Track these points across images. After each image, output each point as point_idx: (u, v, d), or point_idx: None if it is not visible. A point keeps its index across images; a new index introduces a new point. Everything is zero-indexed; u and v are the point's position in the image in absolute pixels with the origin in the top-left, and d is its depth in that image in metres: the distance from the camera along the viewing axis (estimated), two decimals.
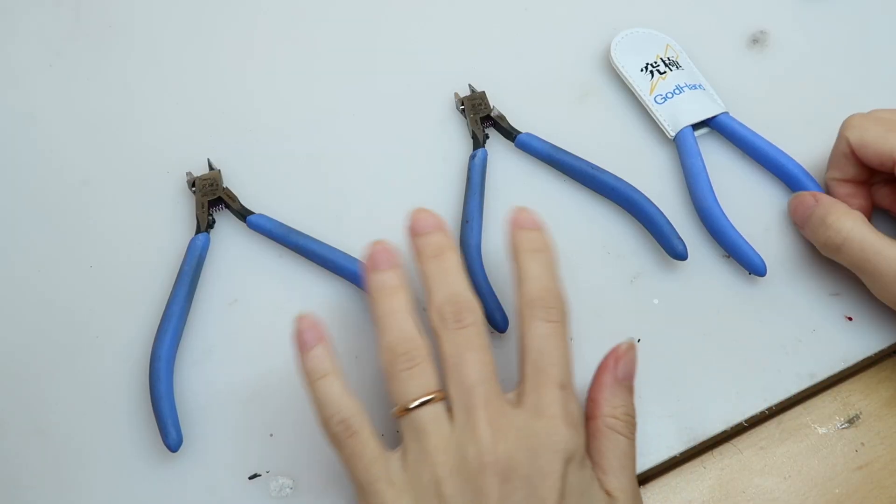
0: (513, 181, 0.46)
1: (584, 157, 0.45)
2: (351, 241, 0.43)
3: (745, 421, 0.40)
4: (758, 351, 0.41)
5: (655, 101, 0.48)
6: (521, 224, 0.37)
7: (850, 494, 0.39)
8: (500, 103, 0.48)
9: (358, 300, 0.43)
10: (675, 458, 0.39)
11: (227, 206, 0.45)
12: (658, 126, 0.48)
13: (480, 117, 0.48)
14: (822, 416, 0.41)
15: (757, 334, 0.41)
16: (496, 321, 0.41)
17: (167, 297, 0.41)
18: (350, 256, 0.42)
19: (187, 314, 0.42)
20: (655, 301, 0.42)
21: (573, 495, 0.32)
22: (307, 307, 0.41)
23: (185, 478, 0.38)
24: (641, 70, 0.49)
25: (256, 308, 0.43)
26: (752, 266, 0.42)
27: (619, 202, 0.45)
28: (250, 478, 0.38)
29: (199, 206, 0.45)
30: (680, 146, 0.46)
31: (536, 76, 0.50)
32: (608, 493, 0.34)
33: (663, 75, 0.48)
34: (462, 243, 0.43)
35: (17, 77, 0.51)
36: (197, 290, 0.43)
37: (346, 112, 0.49)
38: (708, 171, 0.45)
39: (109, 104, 0.50)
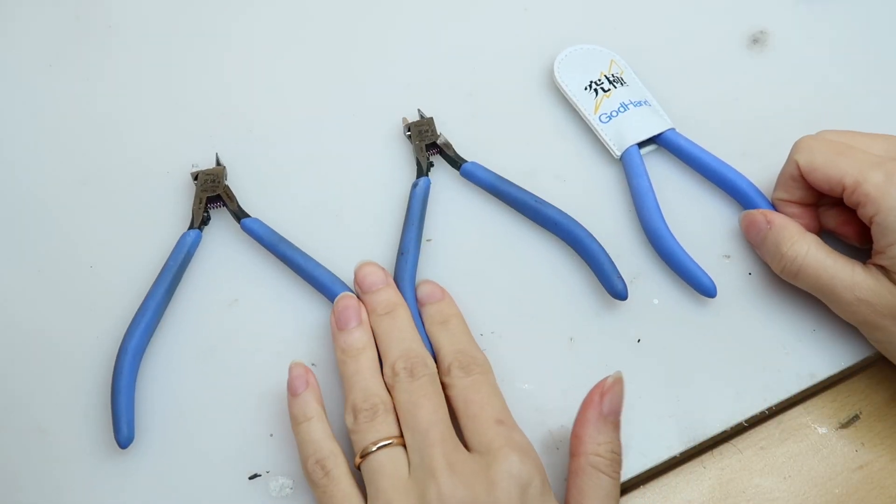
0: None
1: (528, 189, 0.44)
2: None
3: (745, 421, 0.40)
4: (758, 351, 0.41)
5: (600, 121, 0.47)
6: (424, 299, 0.41)
7: (849, 494, 0.39)
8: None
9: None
10: (675, 458, 0.39)
11: (225, 205, 0.45)
12: (604, 146, 0.47)
13: (426, 144, 0.47)
14: (822, 416, 0.41)
15: (757, 334, 0.41)
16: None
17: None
18: (332, 275, 0.42)
19: (164, 310, 0.42)
20: (655, 301, 0.42)
21: None
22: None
23: (185, 478, 0.38)
24: (585, 88, 0.48)
25: (251, 309, 0.43)
26: (701, 287, 0.41)
27: (561, 236, 0.44)
28: (250, 478, 0.38)
29: (197, 200, 0.44)
30: (626, 166, 0.45)
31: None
32: None
33: (607, 93, 0.47)
34: (396, 276, 0.42)
35: (17, 77, 0.51)
36: (191, 288, 0.42)
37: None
38: (655, 189, 0.44)
39: (109, 104, 0.50)
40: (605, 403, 0.35)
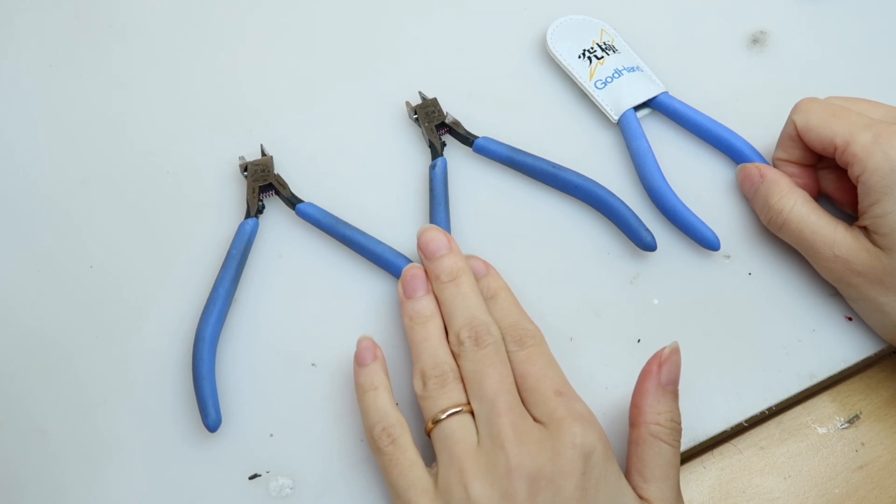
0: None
1: (541, 156, 0.45)
2: None
3: (745, 421, 0.40)
4: (758, 351, 0.41)
5: (596, 87, 0.48)
6: (481, 272, 0.41)
7: (850, 494, 0.39)
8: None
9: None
10: None
11: (278, 193, 0.45)
12: (601, 111, 0.48)
13: (435, 125, 0.47)
14: (822, 416, 0.41)
15: (757, 334, 0.41)
16: None
17: (213, 281, 0.42)
18: (394, 250, 0.42)
19: (232, 297, 0.42)
20: (655, 301, 0.42)
21: (598, 490, 0.33)
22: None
23: (185, 477, 0.38)
24: (579, 57, 0.49)
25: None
26: (705, 241, 0.43)
27: (582, 198, 0.45)
28: (250, 478, 0.38)
29: (250, 190, 0.45)
30: (624, 129, 0.47)
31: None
32: (647, 501, 0.34)
33: (601, 60, 0.49)
34: None
35: (17, 77, 0.51)
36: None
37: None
38: (654, 151, 0.45)
39: (109, 104, 0.50)
40: (663, 373, 0.36)
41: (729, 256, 0.43)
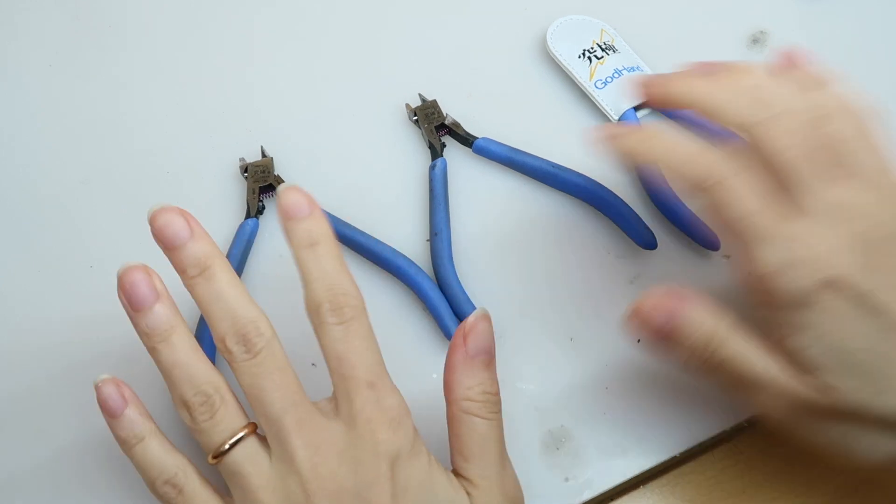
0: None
1: (541, 156, 0.45)
2: None
3: (745, 421, 0.40)
4: None
5: (596, 87, 0.48)
6: (291, 214, 0.33)
7: (849, 494, 0.39)
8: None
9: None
10: (675, 458, 0.39)
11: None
12: (601, 111, 0.48)
13: (435, 126, 0.47)
14: None
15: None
16: None
17: None
18: (394, 250, 0.42)
19: None
20: None
21: (408, 491, 0.31)
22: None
23: None
24: (579, 57, 0.49)
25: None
26: (705, 241, 0.43)
27: (583, 198, 0.45)
28: None
29: (250, 191, 0.45)
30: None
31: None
32: (469, 481, 0.32)
33: (601, 60, 0.49)
34: (434, 257, 0.43)
35: (17, 77, 0.51)
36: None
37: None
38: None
39: (109, 104, 0.50)
40: (468, 344, 0.33)
41: (729, 256, 0.43)
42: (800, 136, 0.32)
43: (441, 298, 0.41)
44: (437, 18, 0.53)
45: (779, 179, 0.32)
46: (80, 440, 0.39)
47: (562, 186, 0.45)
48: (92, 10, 0.54)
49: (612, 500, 0.39)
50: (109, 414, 0.33)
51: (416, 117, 0.48)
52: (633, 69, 0.49)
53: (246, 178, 0.46)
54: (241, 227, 0.44)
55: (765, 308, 0.32)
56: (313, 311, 0.32)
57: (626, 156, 0.37)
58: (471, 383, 0.33)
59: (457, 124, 0.47)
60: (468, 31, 0.52)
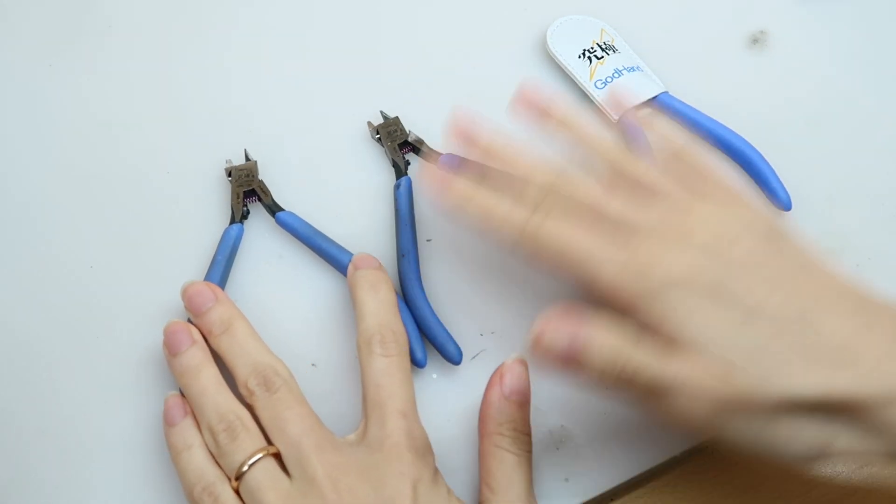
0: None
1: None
2: None
3: None
4: None
5: (596, 87, 0.48)
6: (359, 265, 0.39)
7: (850, 494, 0.39)
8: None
9: None
10: (675, 457, 0.39)
11: (260, 200, 0.45)
12: (601, 111, 0.48)
13: (398, 144, 0.46)
14: None
15: None
16: (449, 353, 0.40)
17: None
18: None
19: None
20: None
21: None
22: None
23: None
24: (579, 57, 0.49)
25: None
26: None
27: None
28: None
29: (234, 195, 0.45)
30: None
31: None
32: None
33: (601, 60, 0.49)
34: (402, 277, 0.42)
35: (17, 77, 0.51)
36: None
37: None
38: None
39: (109, 104, 0.50)
40: (504, 384, 0.36)
41: None
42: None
43: (410, 320, 0.40)
44: (437, 17, 0.53)
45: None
46: (79, 440, 0.39)
47: None
48: (92, 10, 0.53)
49: (611, 500, 0.39)
50: (169, 421, 0.37)
51: (378, 135, 0.47)
52: (633, 69, 0.49)
53: (230, 181, 0.45)
54: (226, 232, 0.43)
55: (631, 313, 0.32)
56: (364, 342, 0.37)
57: (453, 209, 0.38)
58: (503, 419, 0.35)
59: (420, 141, 0.46)
60: (469, 31, 0.52)
